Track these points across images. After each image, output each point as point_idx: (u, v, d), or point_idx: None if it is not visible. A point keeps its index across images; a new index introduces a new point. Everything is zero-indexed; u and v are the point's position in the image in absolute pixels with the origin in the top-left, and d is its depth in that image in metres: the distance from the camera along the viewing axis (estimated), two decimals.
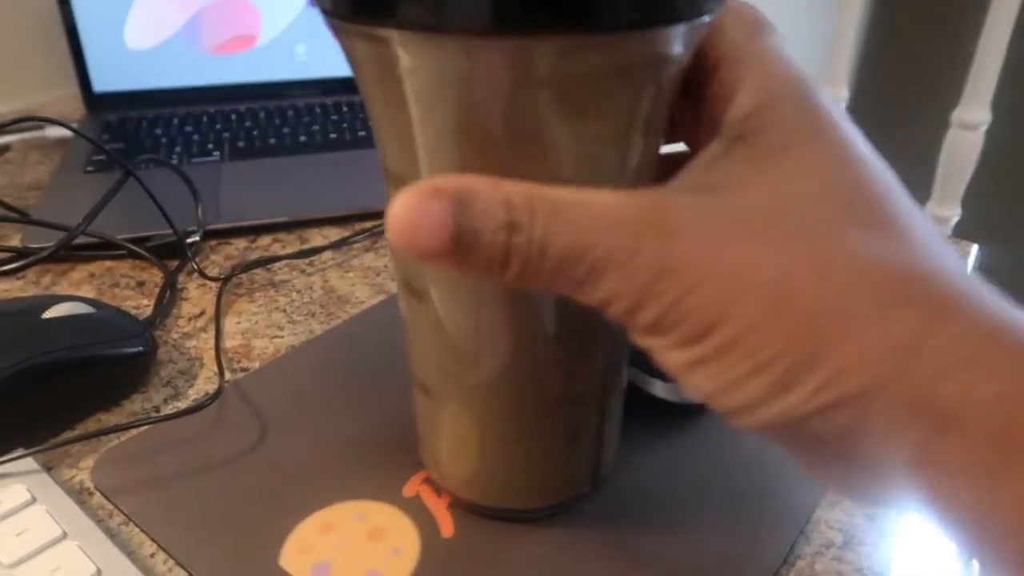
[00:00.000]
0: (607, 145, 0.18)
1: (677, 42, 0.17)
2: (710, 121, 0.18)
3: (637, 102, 0.17)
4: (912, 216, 0.16)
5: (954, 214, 0.97)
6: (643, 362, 0.31)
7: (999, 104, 0.92)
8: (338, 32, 0.18)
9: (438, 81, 0.17)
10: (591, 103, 0.17)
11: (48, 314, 0.32)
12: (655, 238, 0.15)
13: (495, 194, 0.15)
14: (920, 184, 1.07)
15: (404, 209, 0.15)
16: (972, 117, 0.90)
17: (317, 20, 0.66)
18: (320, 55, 0.67)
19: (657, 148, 0.20)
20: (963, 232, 0.87)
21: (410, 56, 0.17)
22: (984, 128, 0.91)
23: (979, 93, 0.90)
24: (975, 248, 0.47)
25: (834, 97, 0.74)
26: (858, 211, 0.16)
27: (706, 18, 0.17)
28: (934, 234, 0.16)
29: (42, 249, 0.40)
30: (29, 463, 0.27)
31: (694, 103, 0.19)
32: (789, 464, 0.29)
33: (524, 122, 0.17)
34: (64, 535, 0.24)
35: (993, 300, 0.15)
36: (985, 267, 0.51)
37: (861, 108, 2.31)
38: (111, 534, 0.26)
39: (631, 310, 0.15)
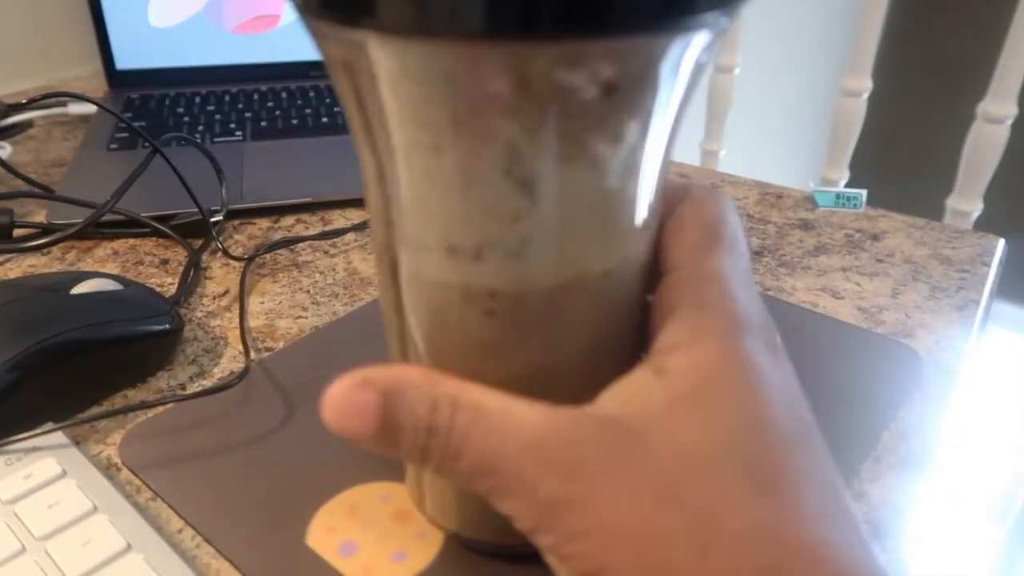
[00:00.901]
0: (598, 167, 0.17)
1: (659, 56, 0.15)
2: (651, 334, 0.19)
3: (628, 124, 0.16)
4: (815, 472, 0.16)
5: (975, 208, 0.96)
6: None
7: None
8: (313, 34, 0.17)
9: (419, 92, 0.15)
10: (581, 118, 0.16)
11: (76, 290, 0.32)
12: (558, 474, 0.16)
13: (423, 393, 0.17)
14: (943, 177, 1.06)
15: (335, 396, 0.17)
16: (998, 110, 0.89)
17: None
18: None
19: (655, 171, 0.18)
20: (983, 226, 0.86)
21: (388, 63, 0.15)
22: (1010, 122, 0.90)
23: (1006, 86, 0.89)
24: (1002, 242, 0.46)
25: (858, 89, 0.73)
26: (757, 472, 0.16)
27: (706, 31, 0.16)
28: (834, 494, 0.16)
29: (68, 225, 0.40)
30: (59, 437, 0.28)
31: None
32: (831, 424, 0.29)
33: (511, 143, 0.16)
34: (95, 509, 0.25)
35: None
36: (1011, 262, 0.50)
37: (886, 100, 2.28)
38: (140, 509, 0.26)
39: (530, 531, 0.16)
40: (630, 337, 0.21)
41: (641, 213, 0.18)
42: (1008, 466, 1.69)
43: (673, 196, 0.20)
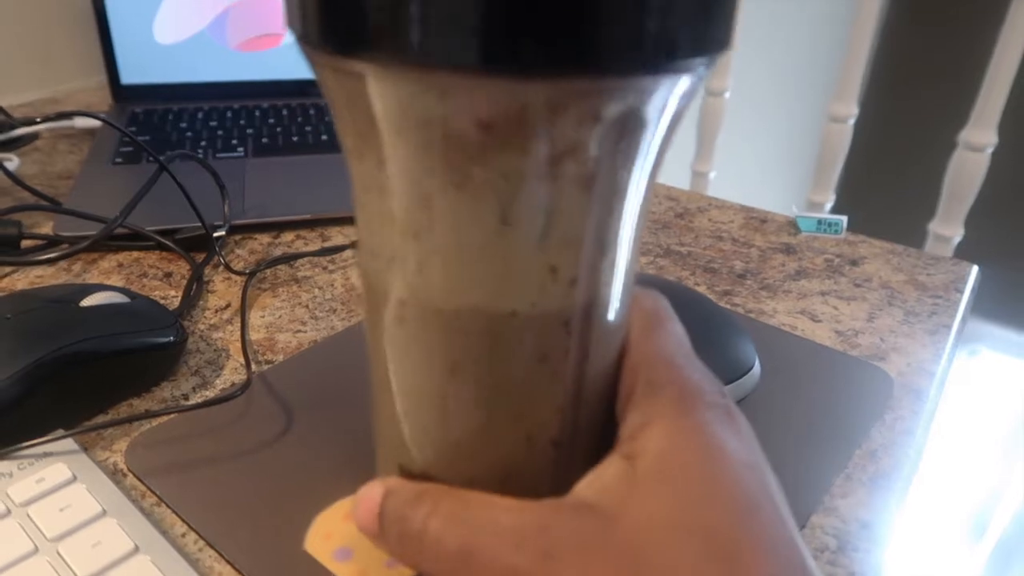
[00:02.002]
0: (584, 193, 0.17)
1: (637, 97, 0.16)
2: (619, 419, 0.21)
3: (616, 155, 0.17)
4: (772, 536, 0.17)
5: (956, 233, 0.98)
6: None
7: (1005, 127, 0.93)
8: (311, 62, 0.17)
9: (414, 123, 0.16)
10: (589, 159, 0.17)
11: (86, 302, 0.33)
12: (536, 557, 0.17)
13: (413, 489, 0.20)
14: (928, 202, 1.08)
15: (361, 492, 0.21)
16: (979, 139, 0.91)
17: None
18: None
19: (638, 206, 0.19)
20: (966, 252, 0.88)
21: (384, 94, 0.16)
22: (990, 150, 0.92)
23: (987, 115, 0.92)
24: (975, 269, 0.48)
25: (842, 114, 0.76)
26: (715, 540, 0.17)
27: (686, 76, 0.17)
28: (790, 554, 0.17)
29: (75, 238, 0.42)
30: (69, 443, 0.29)
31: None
32: (786, 471, 0.31)
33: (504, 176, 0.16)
34: (103, 512, 0.26)
35: None
36: (984, 288, 0.52)
37: (873, 125, 2.32)
38: (145, 513, 0.27)
39: None
40: (571, 412, 0.21)
41: (557, 261, 0.18)
42: (986, 484, 1.72)
43: None
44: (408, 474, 0.23)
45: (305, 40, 0.17)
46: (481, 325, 0.19)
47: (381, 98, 0.16)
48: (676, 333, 0.22)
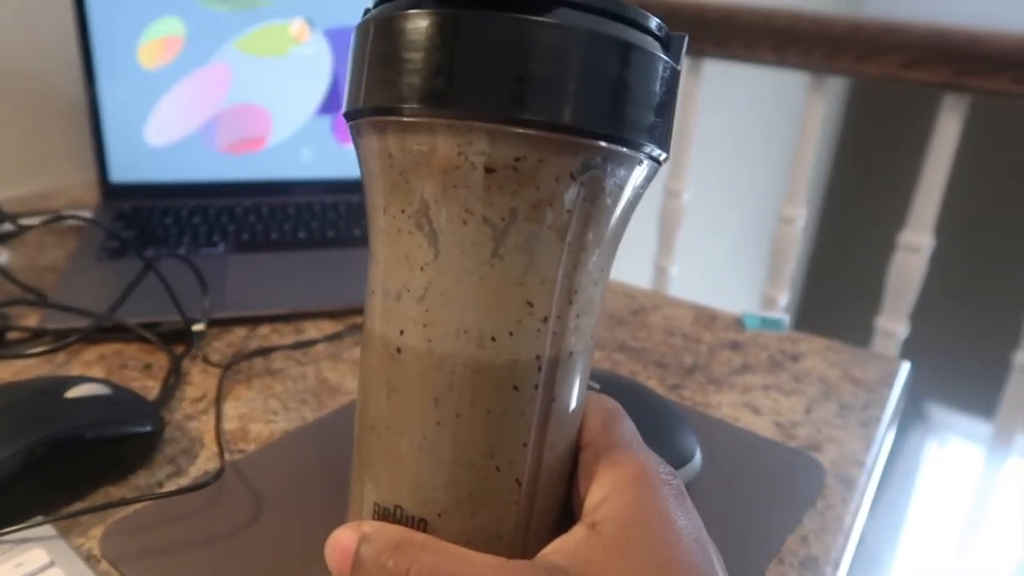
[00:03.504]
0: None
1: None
2: (580, 501, 0.23)
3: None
4: None
5: (900, 328, 1.03)
6: None
7: (944, 228, 1.01)
8: (374, 135, 0.23)
9: (451, 172, 0.21)
10: (564, 211, 0.22)
11: (71, 393, 0.35)
12: None
13: (391, 537, 0.21)
14: (876, 299, 1.14)
15: (334, 535, 0.22)
16: (915, 240, 0.98)
17: (323, 127, 0.73)
18: (324, 158, 0.73)
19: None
20: (911, 348, 0.93)
21: (438, 146, 0.21)
22: (927, 252, 0.99)
23: (923, 218, 0.99)
24: (907, 365, 0.52)
25: (791, 216, 0.82)
26: None
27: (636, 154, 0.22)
28: None
29: (63, 331, 0.44)
30: (47, 529, 0.31)
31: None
32: (724, 554, 0.33)
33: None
34: None
35: None
36: (915, 375, 0.56)
37: (828, 227, 2.43)
38: None
39: None
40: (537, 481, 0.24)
41: (534, 297, 0.22)
42: (952, 564, 1.72)
43: None
44: (382, 510, 0.25)
45: (399, 112, 0.22)
46: (468, 351, 0.22)
47: (426, 149, 0.21)
48: (630, 427, 0.25)
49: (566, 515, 0.26)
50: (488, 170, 0.21)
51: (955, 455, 2.35)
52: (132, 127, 0.68)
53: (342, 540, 0.22)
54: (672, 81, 0.23)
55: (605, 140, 0.21)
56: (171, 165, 0.70)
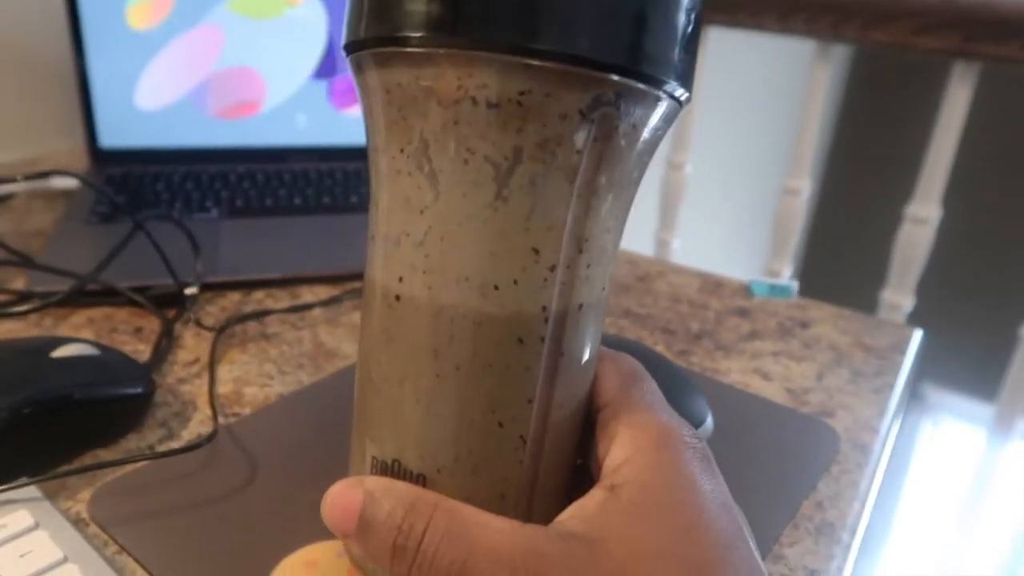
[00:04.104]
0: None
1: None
2: (599, 464, 0.22)
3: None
4: (746, 570, 0.19)
5: (906, 301, 1.02)
6: None
7: (951, 199, 0.99)
8: (383, 70, 0.21)
9: (451, 107, 0.20)
10: (573, 151, 0.20)
11: (56, 353, 0.34)
12: None
13: (402, 497, 0.20)
14: (881, 272, 1.13)
15: (332, 492, 0.21)
16: (923, 212, 0.97)
17: (319, 91, 0.71)
18: (320, 124, 0.71)
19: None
20: (918, 320, 0.92)
21: (440, 79, 0.19)
22: (933, 224, 0.98)
23: (930, 190, 0.97)
24: (919, 333, 0.51)
25: (795, 188, 0.80)
26: (699, 571, 0.18)
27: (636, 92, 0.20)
28: None
29: (50, 294, 0.42)
30: (32, 491, 0.29)
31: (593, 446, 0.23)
32: (755, 493, 0.32)
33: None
34: (64, 559, 0.26)
35: None
36: (931, 353, 0.55)
37: (833, 199, 2.42)
38: (107, 561, 0.28)
39: None
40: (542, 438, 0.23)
41: (540, 244, 0.21)
42: (946, 545, 1.73)
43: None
44: (380, 464, 0.24)
45: (390, 36, 0.20)
46: (469, 300, 0.21)
47: (425, 84, 0.20)
48: (652, 389, 0.23)
49: (576, 476, 0.24)
50: (490, 105, 0.19)
51: (952, 437, 2.35)
52: (122, 90, 0.66)
53: (344, 497, 0.20)
54: (697, 11, 0.21)
55: (618, 73, 0.19)
56: (162, 130, 0.68)
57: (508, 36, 0.19)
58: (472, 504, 0.22)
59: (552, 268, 0.21)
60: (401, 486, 0.21)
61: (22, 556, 0.26)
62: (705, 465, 0.21)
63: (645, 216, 1.32)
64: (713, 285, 0.56)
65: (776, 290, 0.55)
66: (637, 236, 1.30)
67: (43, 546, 0.26)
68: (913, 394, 2.48)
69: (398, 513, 0.20)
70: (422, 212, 0.21)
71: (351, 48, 0.21)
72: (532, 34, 0.19)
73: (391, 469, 0.23)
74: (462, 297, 0.21)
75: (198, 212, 0.58)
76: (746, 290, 0.55)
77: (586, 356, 0.23)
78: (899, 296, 1.01)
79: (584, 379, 0.23)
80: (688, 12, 0.20)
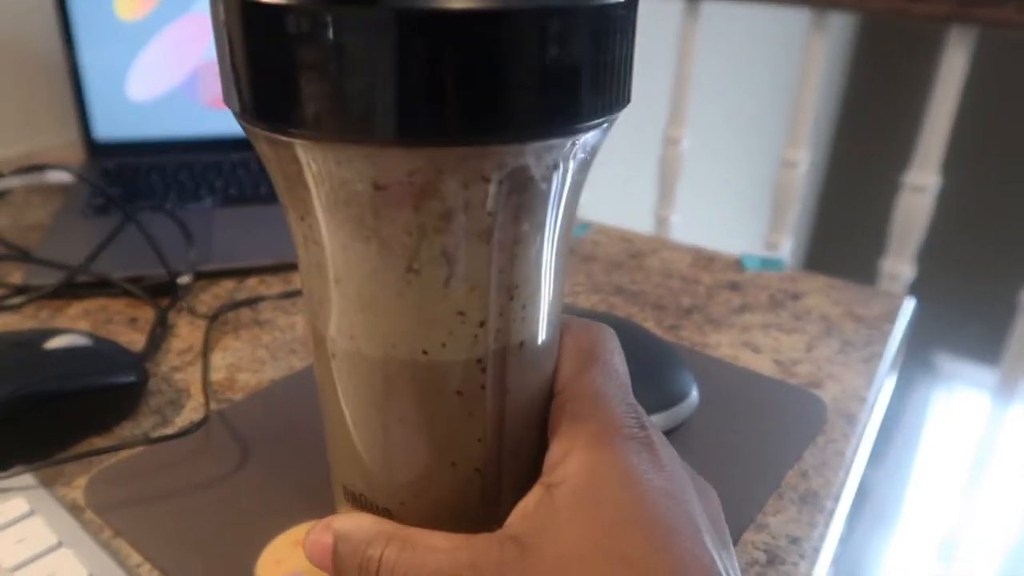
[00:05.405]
0: (507, 254, 0.19)
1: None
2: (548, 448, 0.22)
3: (525, 210, 0.19)
4: (692, 556, 0.18)
5: (906, 270, 1.02)
6: None
7: (949, 167, 0.98)
8: (247, 132, 0.19)
9: (327, 184, 0.18)
10: (484, 215, 0.18)
11: (49, 344, 0.35)
12: None
13: (366, 533, 0.21)
14: (881, 242, 1.13)
15: (310, 538, 0.22)
16: (921, 180, 0.96)
17: None
18: None
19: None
20: (917, 289, 0.92)
21: (312, 162, 0.18)
22: (932, 191, 0.97)
23: (928, 157, 0.96)
24: (911, 301, 0.51)
25: (794, 159, 0.80)
26: (634, 564, 0.18)
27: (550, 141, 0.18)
28: (712, 571, 0.18)
29: (43, 286, 0.43)
30: (28, 479, 0.30)
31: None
32: (721, 491, 0.32)
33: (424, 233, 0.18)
34: (60, 544, 0.27)
35: None
36: (922, 322, 0.55)
37: (832, 170, 2.40)
38: (102, 545, 0.28)
39: None
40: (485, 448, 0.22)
41: (464, 306, 0.20)
42: (955, 512, 1.74)
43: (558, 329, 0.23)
44: (350, 496, 0.24)
45: (241, 117, 0.19)
46: (398, 364, 0.20)
47: (303, 163, 0.18)
48: (610, 368, 0.22)
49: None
50: (377, 187, 0.18)
51: (962, 404, 2.35)
52: (113, 81, 0.66)
53: (319, 539, 0.22)
54: (603, 26, 0.17)
55: (518, 140, 0.17)
56: (155, 120, 0.68)
57: (380, 132, 0.17)
58: (439, 526, 0.22)
59: (482, 324, 0.20)
60: (366, 521, 0.22)
61: (18, 542, 0.27)
62: (647, 454, 0.20)
63: (644, 192, 1.32)
64: (705, 260, 0.56)
65: (768, 263, 0.55)
66: (636, 213, 1.30)
67: (38, 532, 0.27)
68: (923, 363, 2.47)
69: (360, 548, 0.21)
70: (336, 282, 0.20)
71: (270, 125, 0.19)
72: (406, 125, 0.16)
73: (359, 500, 0.23)
74: (393, 360, 0.20)
75: (192, 202, 0.59)
76: (738, 264, 0.56)
77: (536, 382, 0.23)
78: (898, 265, 1.01)
79: (538, 399, 0.23)
80: (588, 36, 0.17)
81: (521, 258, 0.20)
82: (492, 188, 0.18)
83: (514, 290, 0.20)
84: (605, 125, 0.19)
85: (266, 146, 0.19)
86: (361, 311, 0.20)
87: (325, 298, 0.21)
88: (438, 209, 0.18)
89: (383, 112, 0.16)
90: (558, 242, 0.21)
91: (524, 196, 0.19)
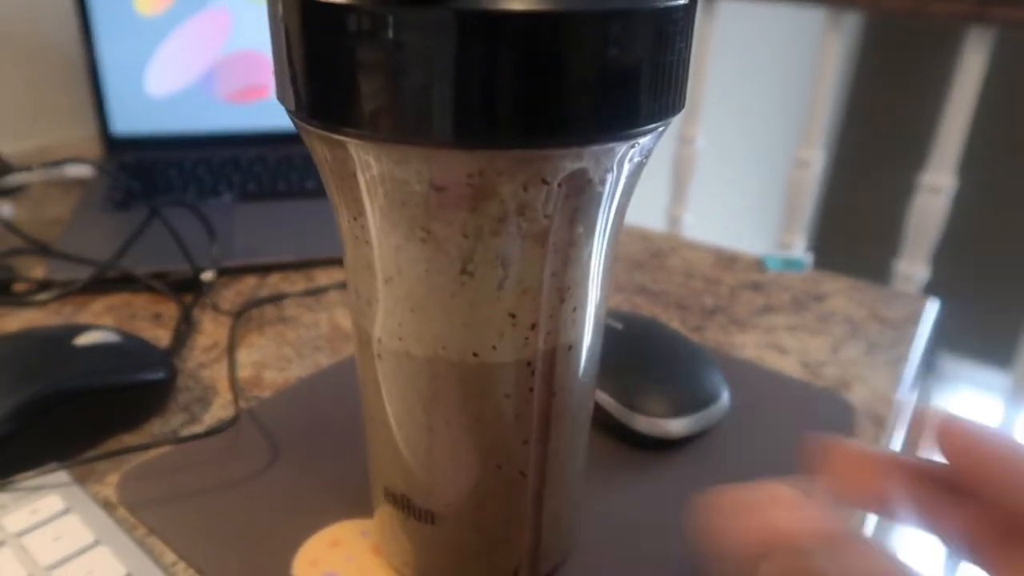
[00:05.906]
0: (555, 251, 0.19)
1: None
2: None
3: (577, 213, 0.19)
4: None
5: (920, 271, 1.01)
6: (624, 398, 0.34)
7: (966, 168, 0.98)
8: (301, 131, 0.19)
9: (383, 185, 0.18)
10: (541, 217, 0.18)
11: (79, 341, 0.34)
12: None
13: None
14: (894, 243, 1.12)
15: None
16: (937, 181, 0.96)
17: None
18: None
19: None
20: (933, 290, 0.91)
21: (368, 162, 0.18)
22: (948, 193, 0.97)
23: (944, 159, 0.96)
24: (936, 303, 0.51)
25: (807, 159, 0.79)
26: None
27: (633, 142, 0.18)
28: None
29: (69, 282, 0.43)
30: (62, 476, 0.30)
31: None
32: (772, 468, 0.32)
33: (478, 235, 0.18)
34: (96, 542, 0.27)
35: None
36: (946, 322, 0.55)
37: (846, 168, 2.40)
38: (137, 543, 0.28)
39: None
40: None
41: (516, 308, 0.20)
42: None
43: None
44: (391, 497, 0.24)
45: (297, 115, 0.19)
46: (447, 366, 0.20)
47: (358, 163, 0.18)
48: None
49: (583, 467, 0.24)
50: (435, 187, 0.17)
51: (972, 408, 2.34)
52: (132, 76, 0.66)
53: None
54: (664, 29, 0.17)
55: (579, 144, 0.17)
56: (173, 115, 0.68)
57: (439, 134, 0.16)
58: (481, 532, 0.22)
59: (533, 326, 0.20)
60: None
61: (55, 540, 0.26)
62: None
63: (657, 191, 1.32)
64: (727, 260, 0.56)
65: (790, 263, 0.55)
66: (649, 211, 1.30)
67: (75, 530, 0.27)
68: (929, 365, 2.47)
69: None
70: (387, 282, 0.20)
71: (327, 124, 0.18)
72: (458, 127, 0.16)
73: (400, 502, 0.23)
74: (442, 361, 0.20)
75: (211, 197, 0.59)
76: (760, 264, 0.55)
77: (582, 385, 0.23)
78: (913, 267, 1.00)
79: (583, 402, 0.23)
80: (652, 39, 0.17)
81: (574, 260, 0.20)
82: (550, 191, 0.18)
83: (565, 292, 0.20)
84: (661, 128, 0.19)
85: (320, 145, 0.19)
86: (411, 312, 0.20)
87: (373, 298, 0.21)
88: (496, 211, 0.18)
89: (441, 114, 0.16)
90: (608, 245, 0.21)
91: (581, 199, 0.19)
